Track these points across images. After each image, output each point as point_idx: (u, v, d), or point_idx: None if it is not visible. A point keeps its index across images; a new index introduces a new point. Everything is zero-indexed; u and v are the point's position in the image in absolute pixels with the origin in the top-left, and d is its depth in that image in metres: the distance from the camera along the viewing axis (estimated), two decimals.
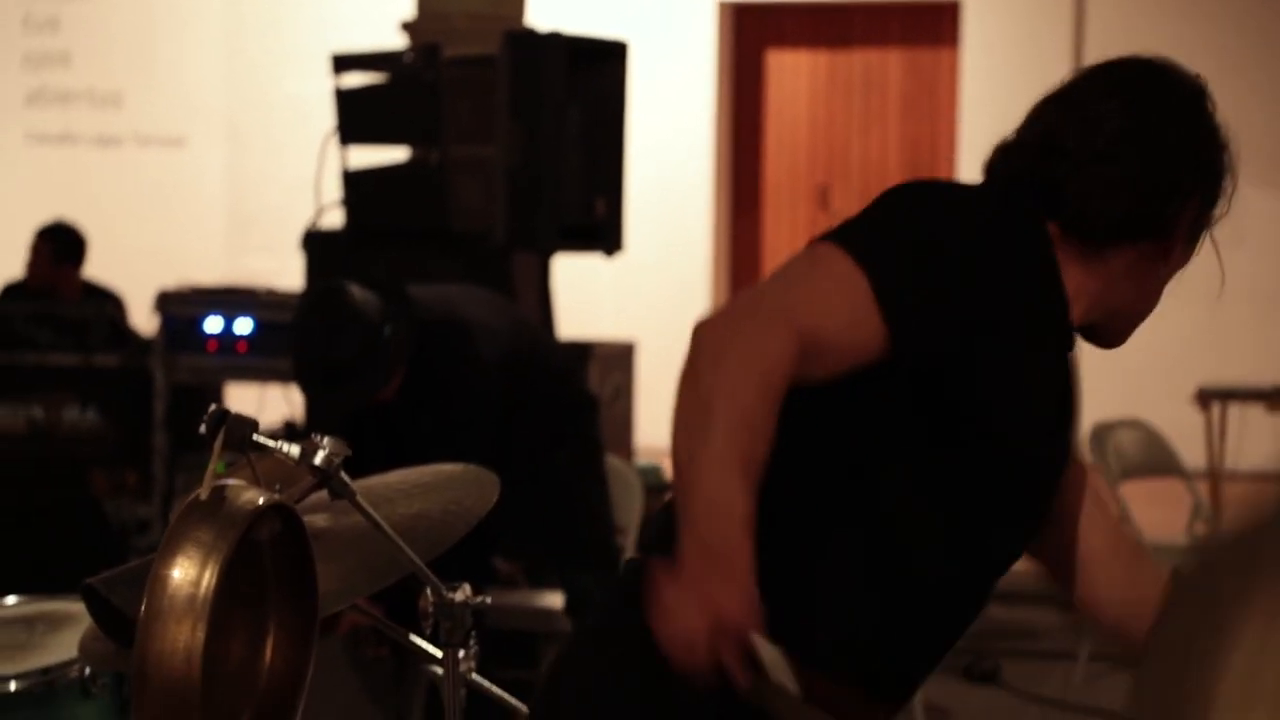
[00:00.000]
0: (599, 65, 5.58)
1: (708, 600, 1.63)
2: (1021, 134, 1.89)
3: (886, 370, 1.76)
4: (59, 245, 7.43)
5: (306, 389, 4.30)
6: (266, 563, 2.19)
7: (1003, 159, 1.89)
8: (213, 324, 6.40)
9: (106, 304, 6.94)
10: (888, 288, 1.73)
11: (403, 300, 4.17)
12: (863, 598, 1.82)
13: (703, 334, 1.75)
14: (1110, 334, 1.94)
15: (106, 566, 2.28)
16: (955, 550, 1.83)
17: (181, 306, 6.43)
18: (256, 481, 2.17)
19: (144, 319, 6.75)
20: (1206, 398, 6.83)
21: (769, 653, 1.66)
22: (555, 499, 4.35)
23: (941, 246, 1.78)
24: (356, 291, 4.09)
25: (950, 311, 1.75)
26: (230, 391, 6.38)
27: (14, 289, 7.43)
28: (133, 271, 8.24)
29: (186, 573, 1.95)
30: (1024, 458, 1.85)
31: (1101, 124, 1.83)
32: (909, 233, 1.79)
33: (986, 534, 1.85)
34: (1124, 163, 1.82)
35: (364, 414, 4.16)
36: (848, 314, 1.73)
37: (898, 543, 1.81)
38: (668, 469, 7.38)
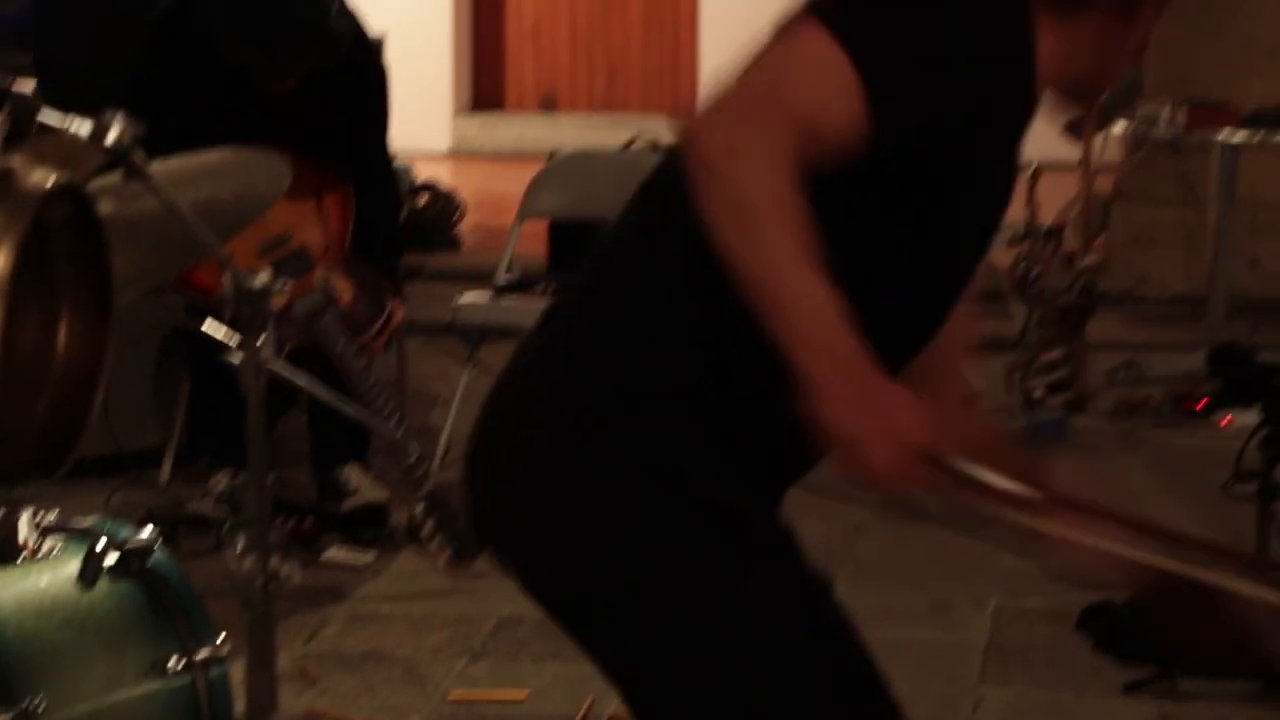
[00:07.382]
0: None
1: (886, 421, 1.61)
2: None
3: (866, 160, 1.69)
4: None
5: (245, 46, 4.02)
6: (57, 247, 2.13)
7: None
8: None
9: None
10: (870, 68, 1.65)
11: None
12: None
13: (701, 141, 1.65)
14: (1071, 104, 1.92)
15: None
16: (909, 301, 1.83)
17: None
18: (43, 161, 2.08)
19: None
20: None
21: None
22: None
23: (923, 16, 1.71)
24: None
25: (934, 87, 1.70)
26: None
27: None
28: None
29: None
30: (975, 223, 1.85)
31: None
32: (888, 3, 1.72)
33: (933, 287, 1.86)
34: None
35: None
36: (836, 100, 1.65)
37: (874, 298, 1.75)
38: (416, 171, 7.29)
